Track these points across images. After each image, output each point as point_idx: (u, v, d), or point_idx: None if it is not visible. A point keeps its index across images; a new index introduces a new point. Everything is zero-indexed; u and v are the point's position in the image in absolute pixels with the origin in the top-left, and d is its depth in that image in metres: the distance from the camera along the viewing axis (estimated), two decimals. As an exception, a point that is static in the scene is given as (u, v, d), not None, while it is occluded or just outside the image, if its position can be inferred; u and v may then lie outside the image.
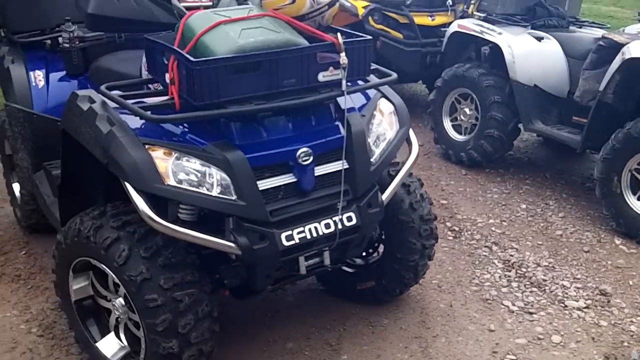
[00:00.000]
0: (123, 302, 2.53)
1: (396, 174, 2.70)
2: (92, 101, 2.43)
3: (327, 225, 2.44)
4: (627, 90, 3.98)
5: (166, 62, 2.36)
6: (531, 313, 3.15)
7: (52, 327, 3.05)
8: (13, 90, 3.49)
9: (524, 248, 3.80)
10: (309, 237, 2.39)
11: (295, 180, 2.40)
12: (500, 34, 4.74)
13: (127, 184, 2.23)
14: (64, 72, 3.57)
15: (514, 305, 3.21)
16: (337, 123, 2.55)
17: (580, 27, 5.04)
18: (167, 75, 2.37)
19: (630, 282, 3.46)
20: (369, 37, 2.51)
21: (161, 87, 2.65)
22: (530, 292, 3.33)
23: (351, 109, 2.60)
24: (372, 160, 2.57)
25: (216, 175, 2.26)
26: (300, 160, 2.38)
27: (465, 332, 3.00)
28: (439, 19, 5.85)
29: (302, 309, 3.19)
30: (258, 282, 2.49)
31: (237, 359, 2.81)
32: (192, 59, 2.16)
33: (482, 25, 4.89)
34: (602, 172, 4.00)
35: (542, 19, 4.83)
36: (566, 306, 3.22)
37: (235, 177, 2.25)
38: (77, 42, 3.49)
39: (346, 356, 2.84)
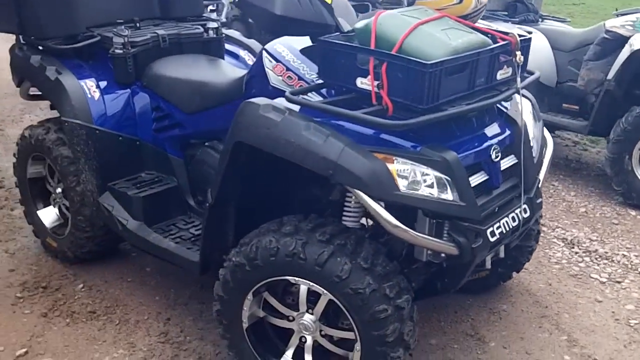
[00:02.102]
0: (314, 318, 2.43)
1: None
2: (280, 110, 2.30)
3: (514, 219, 2.51)
4: (632, 79, 4.44)
5: (361, 66, 2.30)
6: (619, 282, 3.45)
7: (179, 362, 2.83)
8: (70, 104, 3.14)
9: (567, 226, 4.12)
10: (504, 231, 2.45)
11: (487, 177, 2.44)
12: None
13: (361, 193, 2.16)
14: (109, 81, 3.30)
15: (600, 277, 3.49)
16: (502, 119, 2.63)
17: (543, 21, 5.48)
18: (360, 80, 2.31)
19: (670, 246, 3.91)
20: (530, 35, 2.62)
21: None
22: (604, 264, 3.64)
23: (506, 106, 2.70)
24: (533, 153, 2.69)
25: (436, 177, 2.24)
26: (492, 157, 2.44)
27: (580, 306, 3.22)
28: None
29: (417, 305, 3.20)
30: (462, 280, 2.52)
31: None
32: (424, 62, 2.13)
33: (474, 22, 5.14)
34: (614, 152, 4.43)
35: (522, 14, 5.20)
36: (640, 273, 3.57)
37: (455, 178, 2.25)
38: (129, 48, 3.24)
39: (494, 343, 2.94)
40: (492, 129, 2.53)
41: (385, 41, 2.29)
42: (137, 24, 3.44)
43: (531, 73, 2.76)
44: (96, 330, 3.03)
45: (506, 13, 5.30)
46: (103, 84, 3.27)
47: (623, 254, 3.75)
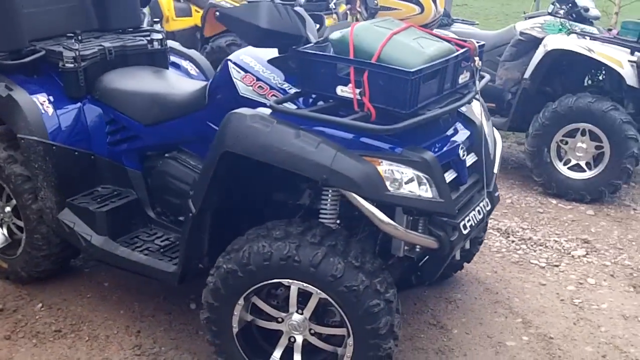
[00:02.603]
0: (304, 317, 2.52)
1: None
2: (267, 119, 2.39)
3: (479, 212, 2.71)
4: (544, 77, 4.83)
5: (342, 75, 2.41)
6: (556, 266, 3.77)
7: (157, 374, 2.84)
8: (25, 120, 3.07)
9: (498, 217, 4.42)
10: (473, 224, 2.64)
11: (456, 174, 2.63)
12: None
13: (355, 195, 2.28)
14: (59, 96, 3.24)
15: (539, 262, 3.80)
16: (461, 120, 2.84)
17: (453, 24, 5.82)
18: (340, 88, 2.43)
19: (593, 230, 4.29)
20: (483, 42, 2.84)
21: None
22: (540, 250, 3.96)
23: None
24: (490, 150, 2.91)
25: (418, 177, 2.40)
26: (460, 156, 2.63)
27: (527, 290, 3.50)
28: (327, 22, 6.21)
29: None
30: (439, 272, 2.69)
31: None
32: (407, 70, 2.27)
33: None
34: (533, 146, 4.80)
35: (438, 18, 5.49)
36: (573, 256, 3.90)
37: (434, 176, 2.41)
38: (80, 62, 3.19)
39: (456, 330, 3.14)
40: (457, 130, 2.73)
41: (363, 51, 2.43)
42: (79, 37, 3.38)
43: (483, 76, 3.00)
44: (66, 349, 2.97)
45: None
46: (53, 98, 3.20)
47: (554, 240, 4.09)
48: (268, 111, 2.45)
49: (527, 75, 4.83)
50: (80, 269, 3.60)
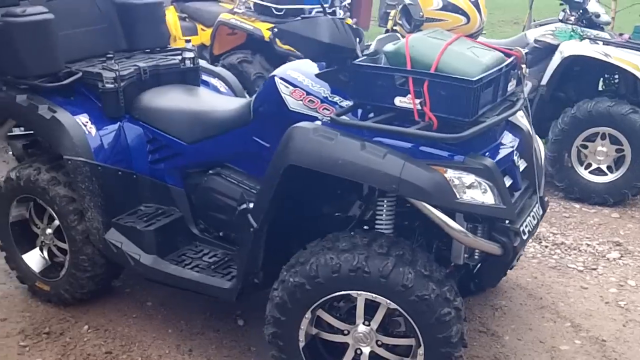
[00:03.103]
0: (371, 328, 2.52)
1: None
2: (331, 132, 2.41)
3: (534, 217, 2.75)
4: (558, 83, 4.90)
5: (401, 86, 2.44)
6: (594, 269, 3.80)
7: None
8: (71, 141, 3.07)
9: (526, 223, 4.46)
10: (530, 229, 2.67)
11: (512, 180, 2.66)
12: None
13: (425, 204, 2.30)
14: (99, 116, 3.25)
15: (577, 266, 3.83)
16: (509, 127, 2.87)
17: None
18: (399, 99, 2.45)
19: (622, 232, 4.34)
20: (527, 50, 2.88)
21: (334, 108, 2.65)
22: (575, 254, 3.99)
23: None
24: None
25: (482, 184, 2.42)
26: (515, 162, 2.66)
27: (571, 294, 3.53)
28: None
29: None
30: (501, 277, 2.71)
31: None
32: (470, 78, 2.31)
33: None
34: (554, 151, 4.85)
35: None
36: (608, 259, 3.94)
37: (496, 183, 2.44)
38: (120, 82, 3.21)
39: (507, 337, 3.16)
40: (509, 137, 2.77)
41: (419, 62, 2.45)
42: (113, 59, 3.39)
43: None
44: (120, 372, 2.95)
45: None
46: (94, 119, 3.21)
47: (587, 244, 4.13)
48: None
49: (544, 82, 4.88)
50: (121, 289, 3.58)
